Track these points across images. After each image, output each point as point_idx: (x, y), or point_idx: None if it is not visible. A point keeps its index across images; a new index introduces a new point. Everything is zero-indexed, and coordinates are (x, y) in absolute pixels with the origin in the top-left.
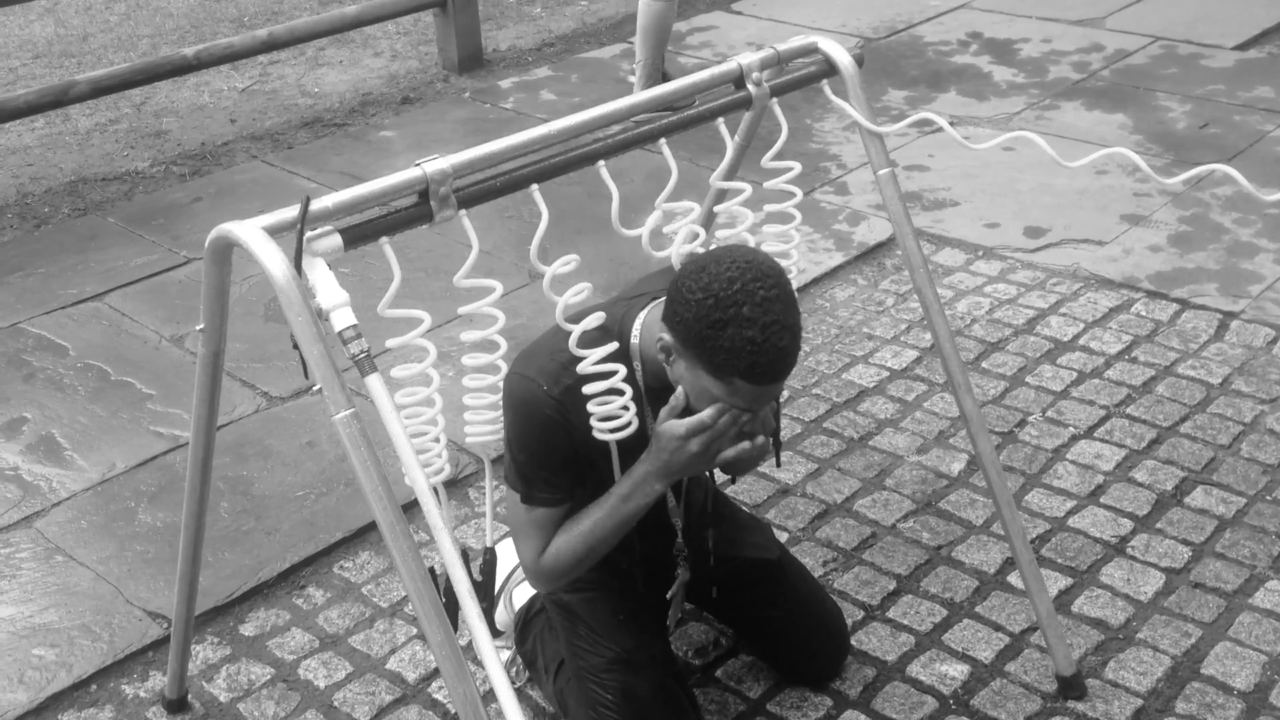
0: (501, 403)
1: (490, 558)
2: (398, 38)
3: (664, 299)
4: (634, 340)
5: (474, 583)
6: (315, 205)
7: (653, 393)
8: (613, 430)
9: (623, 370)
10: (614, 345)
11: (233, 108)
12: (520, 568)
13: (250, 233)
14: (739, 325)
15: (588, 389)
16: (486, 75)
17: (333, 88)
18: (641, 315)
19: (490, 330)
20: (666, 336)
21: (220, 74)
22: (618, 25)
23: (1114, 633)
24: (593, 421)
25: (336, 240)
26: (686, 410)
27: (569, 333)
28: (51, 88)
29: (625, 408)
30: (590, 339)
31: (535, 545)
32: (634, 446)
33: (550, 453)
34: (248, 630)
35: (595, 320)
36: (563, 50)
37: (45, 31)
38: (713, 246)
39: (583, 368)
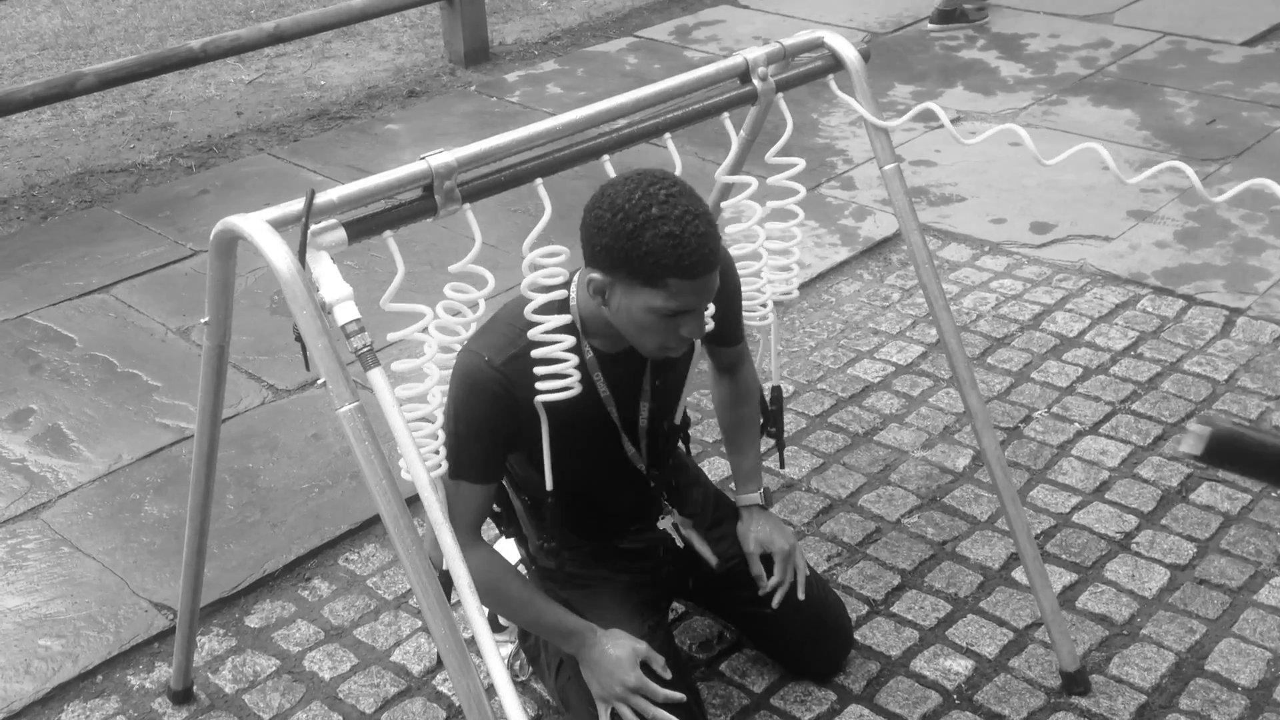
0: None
1: (447, 580)
2: (404, 31)
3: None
4: (571, 301)
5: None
6: (320, 199)
7: (602, 356)
8: (555, 391)
9: (569, 340)
10: (567, 318)
11: (239, 100)
12: (519, 562)
13: (255, 226)
14: (654, 225)
15: (537, 353)
16: (492, 69)
17: (339, 81)
18: (573, 280)
19: (470, 317)
20: (595, 275)
21: (226, 66)
22: (624, 19)
23: (1118, 629)
24: (538, 385)
25: (341, 234)
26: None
27: (525, 304)
28: (58, 80)
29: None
30: (551, 308)
31: (463, 524)
32: (580, 410)
33: (486, 427)
34: (253, 622)
35: (558, 294)
36: (569, 44)
37: (52, 23)
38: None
39: (535, 333)
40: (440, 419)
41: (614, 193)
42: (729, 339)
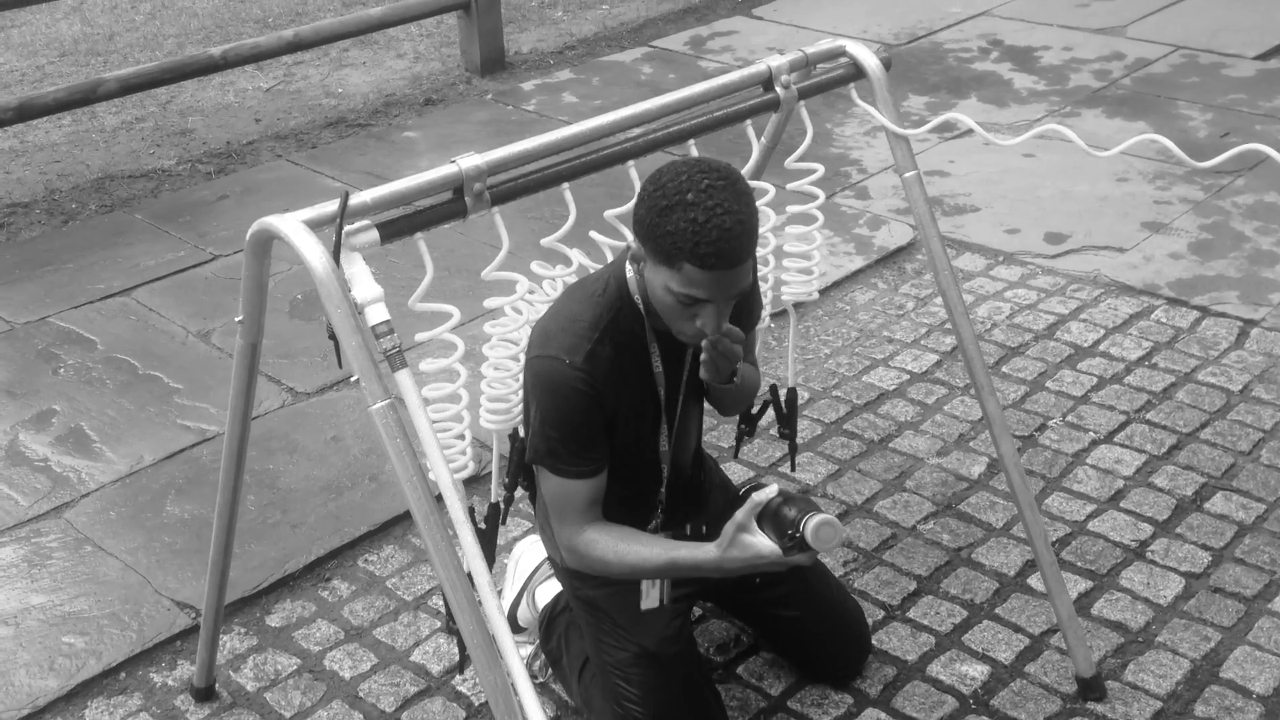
0: (525, 388)
1: (494, 511)
2: (420, 39)
3: None
4: (629, 275)
5: (477, 531)
6: (353, 200)
7: (659, 334)
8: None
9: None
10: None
11: (257, 107)
12: (545, 562)
13: (291, 226)
14: (683, 210)
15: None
16: (508, 77)
17: (356, 88)
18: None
19: (513, 329)
20: (633, 244)
21: (245, 74)
22: (638, 29)
23: (1134, 635)
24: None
25: (373, 235)
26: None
27: (575, 298)
28: (80, 85)
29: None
30: (610, 287)
31: (574, 521)
32: (635, 388)
33: (583, 424)
34: (274, 621)
35: (615, 271)
36: (584, 53)
37: (72, 30)
38: None
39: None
40: (467, 419)
41: (667, 169)
42: (745, 322)
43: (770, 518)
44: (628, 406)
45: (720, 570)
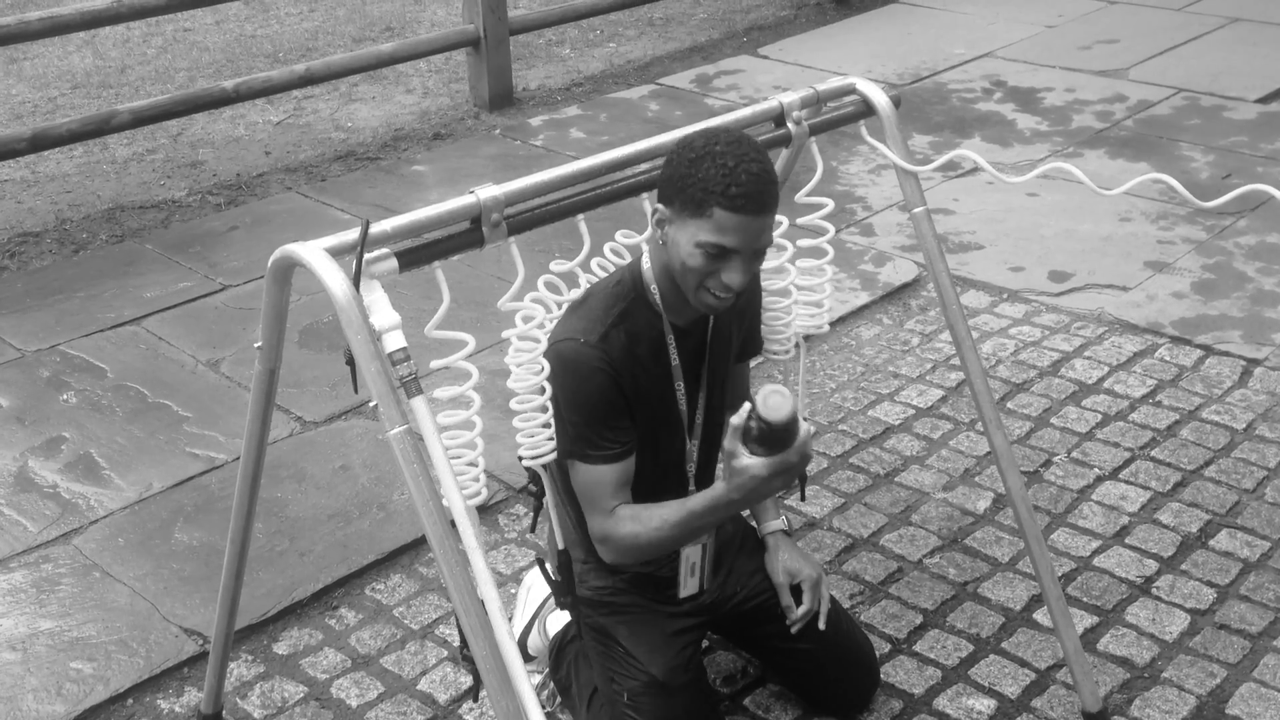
0: (548, 377)
1: (565, 559)
2: (429, 75)
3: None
4: (645, 267)
5: (552, 582)
6: (374, 229)
7: (675, 328)
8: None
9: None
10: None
11: (267, 140)
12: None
13: (313, 253)
14: (713, 159)
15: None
16: (516, 113)
17: (365, 123)
18: (645, 250)
19: (534, 353)
20: (659, 205)
21: (255, 107)
22: (645, 67)
23: (1139, 671)
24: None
25: (392, 263)
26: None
27: (594, 290)
28: (94, 116)
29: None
30: (625, 284)
31: (604, 507)
32: (655, 382)
33: (604, 404)
34: (281, 649)
35: (629, 269)
36: (591, 90)
37: (84, 63)
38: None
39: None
40: (480, 446)
41: (693, 135)
42: (746, 350)
43: (755, 434)
44: (646, 397)
45: (733, 502)
